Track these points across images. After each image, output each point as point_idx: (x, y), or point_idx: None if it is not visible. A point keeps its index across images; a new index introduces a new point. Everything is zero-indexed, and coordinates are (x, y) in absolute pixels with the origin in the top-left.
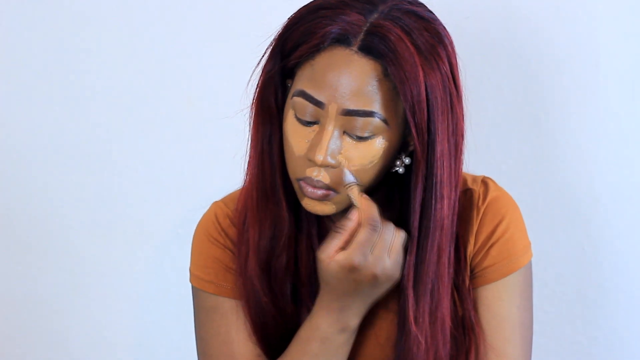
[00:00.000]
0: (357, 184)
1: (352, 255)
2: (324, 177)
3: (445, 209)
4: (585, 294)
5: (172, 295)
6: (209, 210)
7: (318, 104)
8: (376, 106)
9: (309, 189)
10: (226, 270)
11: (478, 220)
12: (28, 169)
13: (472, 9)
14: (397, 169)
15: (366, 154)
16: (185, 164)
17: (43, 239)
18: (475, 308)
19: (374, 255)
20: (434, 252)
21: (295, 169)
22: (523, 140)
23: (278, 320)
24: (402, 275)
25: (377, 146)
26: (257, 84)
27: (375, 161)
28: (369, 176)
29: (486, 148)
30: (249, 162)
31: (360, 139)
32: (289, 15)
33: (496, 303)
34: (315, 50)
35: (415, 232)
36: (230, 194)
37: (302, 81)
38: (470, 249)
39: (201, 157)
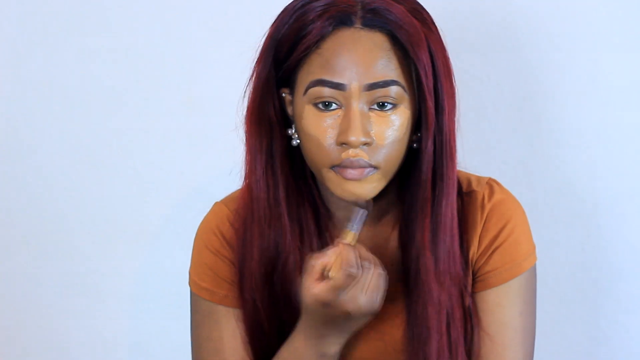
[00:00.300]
0: (354, 232)
1: (326, 293)
2: (362, 154)
3: (454, 167)
4: (585, 294)
5: (171, 296)
6: (209, 214)
7: (339, 86)
8: (394, 74)
9: (349, 171)
10: (222, 279)
11: (482, 223)
12: (28, 169)
13: (472, 9)
14: (414, 144)
15: (394, 124)
16: (186, 164)
17: (43, 239)
18: (476, 312)
19: (349, 295)
20: (449, 209)
21: (326, 159)
22: (523, 140)
23: (274, 331)
24: (412, 245)
25: (403, 115)
26: (250, 97)
27: (403, 130)
28: (397, 148)
29: (486, 148)
30: (246, 175)
31: (386, 110)
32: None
33: (497, 308)
34: (320, 38)
35: (428, 194)
36: (232, 193)
37: (315, 71)
38: (474, 251)
39: (201, 157)
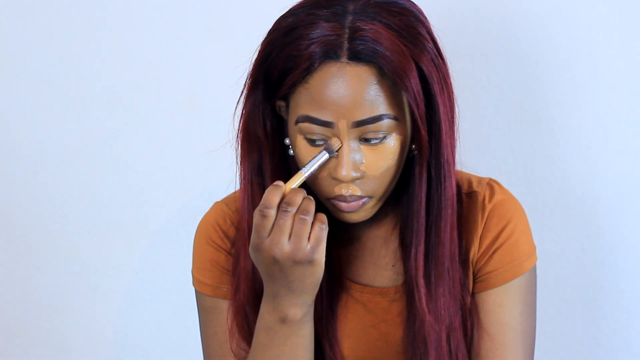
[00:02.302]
0: (306, 177)
1: (252, 237)
2: (354, 190)
3: (453, 187)
4: (585, 294)
5: (171, 295)
6: (209, 211)
7: (326, 124)
8: (383, 108)
9: (344, 205)
10: (223, 272)
11: (483, 224)
12: (28, 169)
13: (472, 9)
14: (411, 154)
15: (386, 154)
16: (185, 164)
17: (43, 239)
18: (477, 313)
19: (270, 238)
20: (447, 231)
21: (323, 190)
22: (523, 140)
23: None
24: (409, 260)
25: (394, 143)
26: (241, 115)
27: (396, 157)
28: (391, 175)
29: (486, 148)
30: (240, 194)
31: (376, 142)
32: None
33: (498, 309)
34: (307, 73)
35: (422, 220)
36: (232, 194)
37: (303, 106)
38: (474, 252)
39: (201, 157)
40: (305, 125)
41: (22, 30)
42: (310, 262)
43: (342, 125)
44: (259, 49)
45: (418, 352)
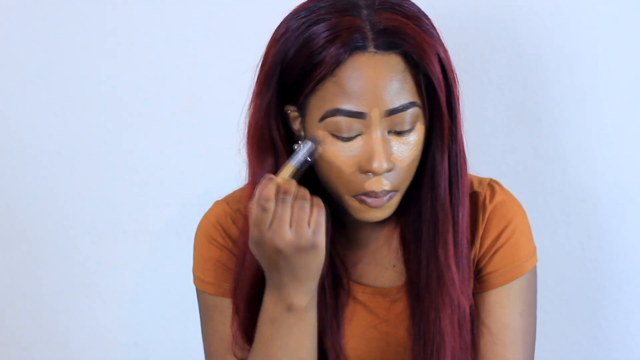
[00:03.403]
0: (295, 168)
1: (252, 230)
2: (386, 184)
3: (467, 173)
4: (585, 294)
5: (171, 295)
6: (210, 210)
7: (359, 115)
8: (411, 95)
9: (371, 200)
10: (224, 271)
11: (484, 225)
12: (28, 169)
13: (472, 9)
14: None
15: (413, 144)
16: (185, 164)
17: (43, 239)
18: (477, 313)
19: (272, 229)
20: (465, 218)
21: (350, 187)
22: (523, 140)
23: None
24: (438, 247)
25: (419, 133)
26: (251, 117)
27: (420, 148)
28: (415, 166)
29: (486, 148)
30: (248, 197)
31: (407, 132)
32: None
33: (498, 309)
34: (335, 66)
35: (448, 208)
36: (233, 193)
37: (331, 100)
38: (475, 252)
39: (201, 157)
40: (334, 120)
41: (22, 31)
42: (312, 246)
43: (375, 114)
44: (266, 53)
45: (432, 344)
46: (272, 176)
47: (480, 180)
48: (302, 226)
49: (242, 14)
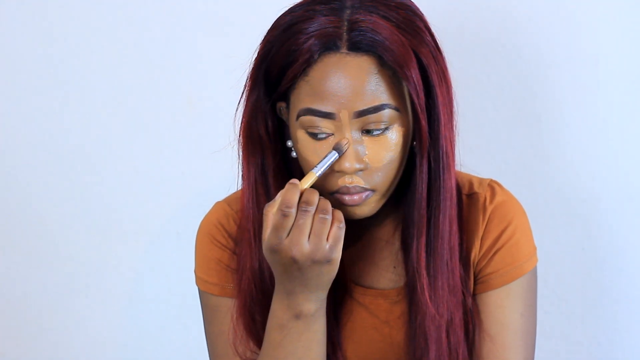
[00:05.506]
0: (315, 173)
1: (269, 236)
2: (358, 181)
3: (452, 179)
4: (585, 294)
5: (171, 295)
6: (211, 211)
7: (328, 115)
8: (384, 97)
9: (347, 198)
10: (228, 271)
11: (484, 225)
12: (27, 169)
13: (472, 9)
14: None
15: (388, 145)
16: (185, 164)
17: (43, 239)
18: (477, 314)
19: (290, 238)
20: (447, 223)
21: (326, 185)
22: (523, 140)
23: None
24: (410, 257)
25: (396, 135)
26: (242, 115)
27: (399, 149)
28: (394, 168)
29: (486, 148)
30: (242, 194)
31: (379, 133)
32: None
33: (498, 310)
34: (307, 65)
35: (423, 211)
36: (233, 194)
37: (303, 99)
38: (475, 253)
39: (201, 157)
40: (307, 119)
41: (22, 31)
42: (328, 261)
43: (344, 115)
44: (258, 48)
45: (419, 348)
46: (297, 182)
47: (481, 181)
48: (321, 240)
49: (242, 14)
